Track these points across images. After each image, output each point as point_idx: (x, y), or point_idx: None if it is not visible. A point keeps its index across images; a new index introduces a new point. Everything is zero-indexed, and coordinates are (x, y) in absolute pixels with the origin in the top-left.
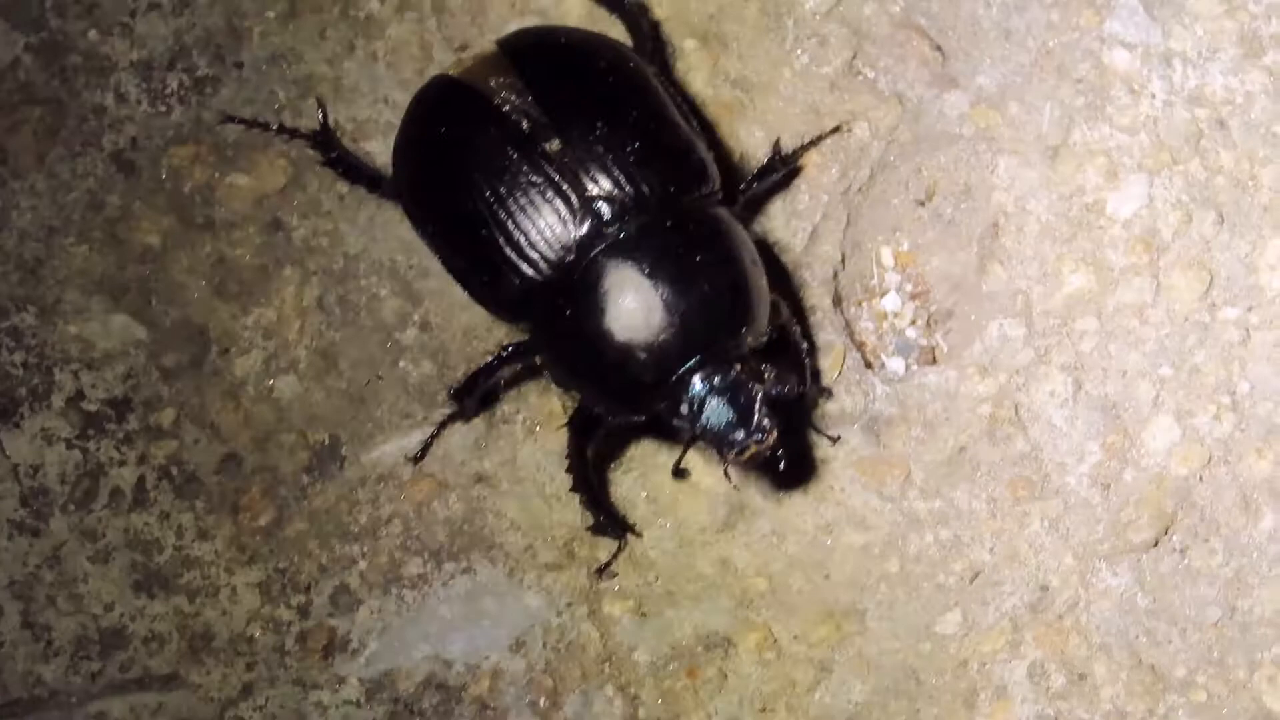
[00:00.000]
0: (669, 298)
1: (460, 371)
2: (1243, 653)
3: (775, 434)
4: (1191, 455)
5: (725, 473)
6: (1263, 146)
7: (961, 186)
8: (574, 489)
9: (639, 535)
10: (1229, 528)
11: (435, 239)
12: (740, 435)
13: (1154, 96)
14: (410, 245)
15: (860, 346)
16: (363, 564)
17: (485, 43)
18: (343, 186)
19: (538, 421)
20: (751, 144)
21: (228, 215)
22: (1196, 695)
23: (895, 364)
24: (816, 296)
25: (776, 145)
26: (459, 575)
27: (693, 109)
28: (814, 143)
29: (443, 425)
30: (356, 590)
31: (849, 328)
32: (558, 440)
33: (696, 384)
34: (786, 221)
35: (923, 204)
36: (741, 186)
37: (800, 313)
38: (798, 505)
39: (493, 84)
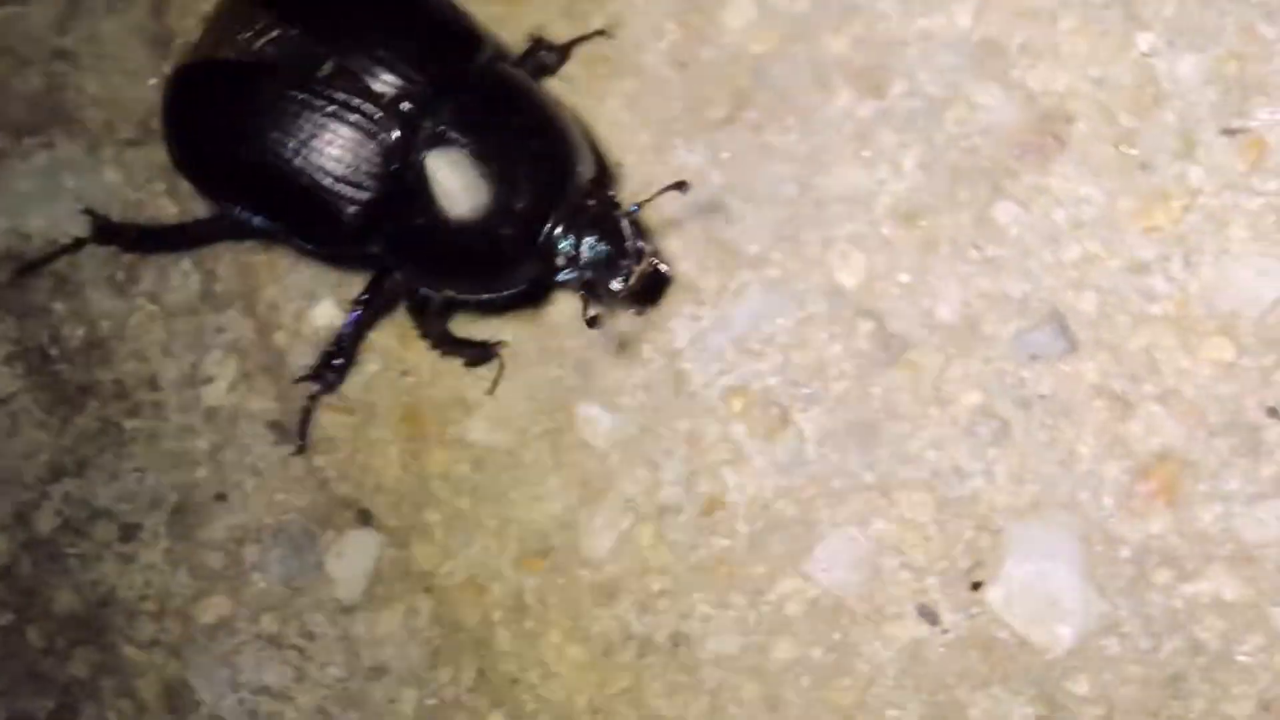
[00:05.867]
0: (507, 166)
1: None
2: (816, 229)
3: (652, 248)
4: (768, 34)
5: (596, 315)
6: None
7: None
8: (443, 354)
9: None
10: (805, 105)
11: (256, 206)
12: (625, 261)
13: None
14: None
15: None
16: None
17: None
18: None
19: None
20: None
21: None
22: (770, 270)
23: None
24: None
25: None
26: (38, 150)
27: None
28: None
29: (313, 399)
30: None
31: None
32: (138, 14)
33: (563, 234)
34: None
35: None
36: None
37: None
38: None
39: (240, 40)
